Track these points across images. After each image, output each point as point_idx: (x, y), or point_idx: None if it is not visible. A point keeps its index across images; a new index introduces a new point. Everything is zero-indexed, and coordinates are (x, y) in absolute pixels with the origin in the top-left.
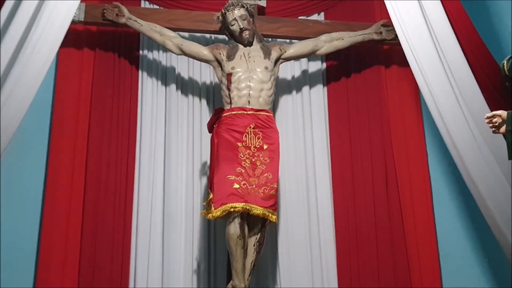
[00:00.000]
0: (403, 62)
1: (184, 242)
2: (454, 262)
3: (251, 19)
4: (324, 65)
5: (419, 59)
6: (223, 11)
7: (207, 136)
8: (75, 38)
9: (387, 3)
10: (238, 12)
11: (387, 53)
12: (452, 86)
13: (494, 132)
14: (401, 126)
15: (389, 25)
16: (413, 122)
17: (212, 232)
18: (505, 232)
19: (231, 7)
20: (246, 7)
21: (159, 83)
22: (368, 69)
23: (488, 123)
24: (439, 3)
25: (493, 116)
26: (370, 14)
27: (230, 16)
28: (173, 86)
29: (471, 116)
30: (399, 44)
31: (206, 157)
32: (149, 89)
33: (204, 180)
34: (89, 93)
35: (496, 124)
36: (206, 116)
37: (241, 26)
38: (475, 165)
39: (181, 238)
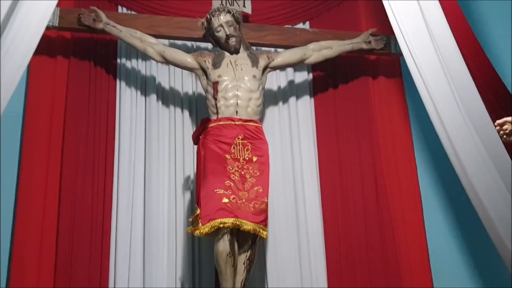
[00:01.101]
0: (391, 73)
1: (167, 260)
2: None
3: (237, 26)
4: (311, 75)
5: (420, 64)
6: (208, 17)
7: (190, 149)
8: (48, 45)
9: (385, 4)
10: (224, 18)
11: (374, 64)
12: (452, 91)
13: (504, 140)
14: (390, 138)
15: (378, 34)
16: (402, 134)
17: (197, 250)
18: (506, 243)
19: (217, 13)
20: (232, 12)
21: (139, 93)
22: (356, 80)
23: (499, 130)
24: (438, 4)
25: (504, 123)
26: (356, 24)
27: (215, 22)
28: (153, 96)
29: (472, 123)
30: (387, 54)
31: (190, 171)
32: (127, 99)
33: (188, 195)
34: (63, 104)
35: (507, 131)
36: (189, 127)
37: (227, 33)
38: (478, 174)
39: (163, 256)
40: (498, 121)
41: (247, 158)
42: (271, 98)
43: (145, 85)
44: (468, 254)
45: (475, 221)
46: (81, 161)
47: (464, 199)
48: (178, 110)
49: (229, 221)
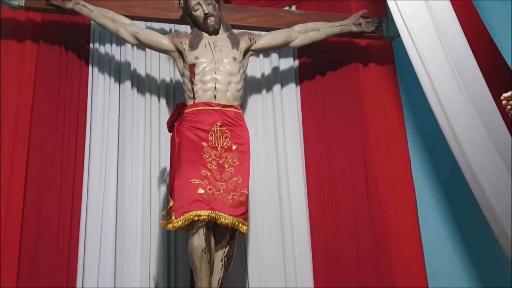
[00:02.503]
0: (382, 59)
1: (140, 258)
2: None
3: (216, 5)
4: (297, 62)
5: (419, 44)
6: None
7: (167, 139)
8: (16, 29)
9: None
10: None
11: (365, 49)
12: (452, 69)
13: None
14: (382, 129)
15: (368, 16)
16: (394, 124)
17: (173, 247)
18: (507, 233)
19: None
20: None
21: (112, 79)
22: (345, 67)
23: (505, 105)
24: None
25: (511, 97)
26: (346, 8)
27: (193, 0)
28: (127, 83)
29: (473, 104)
30: (379, 37)
31: (166, 162)
32: (100, 86)
33: (164, 187)
34: (31, 91)
35: None
36: (165, 116)
37: (206, 11)
38: (479, 160)
39: (136, 254)
40: (505, 95)
41: (226, 146)
42: (254, 85)
43: (120, 72)
44: (464, 251)
45: (471, 215)
46: (49, 150)
47: (460, 193)
48: (155, 98)
49: (204, 213)
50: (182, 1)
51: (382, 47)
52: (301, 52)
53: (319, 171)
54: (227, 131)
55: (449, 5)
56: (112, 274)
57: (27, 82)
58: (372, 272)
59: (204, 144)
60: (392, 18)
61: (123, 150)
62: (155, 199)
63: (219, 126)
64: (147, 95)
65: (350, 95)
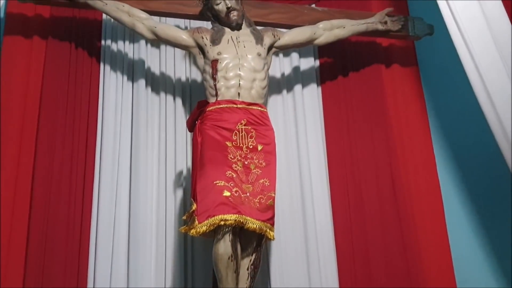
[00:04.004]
0: (405, 60)
1: (155, 267)
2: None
3: None
4: (318, 62)
5: (470, 41)
6: None
7: (183, 140)
8: (23, 24)
9: None
10: None
11: (387, 51)
12: (507, 71)
13: None
14: (406, 130)
15: (393, 15)
16: (419, 126)
17: (190, 255)
18: None
19: None
20: None
21: (125, 78)
22: (367, 67)
23: None
24: None
25: None
26: (367, 6)
27: None
28: (141, 82)
29: None
30: (405, 37)
31: (182, 165)
32: (112, 85)
33: (180, 192)
34: (39, 90)
35: None
36: (181, 116)
37: (228, 5)
38: None
39: (151, 263)
40: None
41: (251, 147)
42: (274, 85)
43: (133, 70)
44: (492, 253)
45: (498, 216)
46: (58, 153)
47: (487, 193)
48: (170, 97)
49: (231, 217)
50: None
51: (404, 48)
52: (322, 52)
53: (343, 173)
54: (252, 130)
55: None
56: (125, 284)
57: (34, 81)
58: (400, 276)
59: (228, 143)
60: (419, 17)
61: (136, 153)
62: (170, 204)
63: (244, 125)
64: (162, 94)
65: (372, 97)
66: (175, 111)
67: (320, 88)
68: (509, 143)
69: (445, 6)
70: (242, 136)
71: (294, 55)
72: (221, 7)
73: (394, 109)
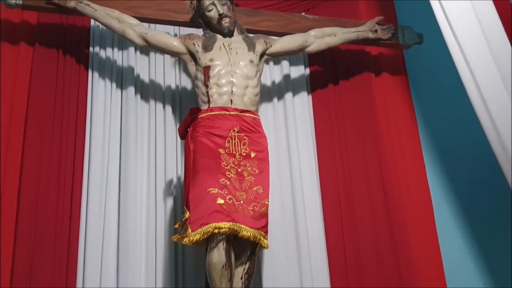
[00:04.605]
0: (394, 69)
1: (145, 278)
2: None
3: (231, 5)
4: (308, 70)
5: (466, 48)
6: None
7: (173, 149)
8: (10, 31)
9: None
10: None
11: (377, 59)
12: (502, 78)
13: None
14: (396, 138)
15: (384, 23)
16: (409, 133)
17: (180, 265)
18: None
19: None
20: None
21: (114, 85)
22: (357, 76)
23: None
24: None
25: None
26: (356, 15)
27: (207, 0)
28: (131, 89)
29: None
30: (395, 45)
31: (172, 174)
32: (101, 92)
33: (170, 201)
34: (25, 97)
35: None
36: (171, 124)
37: (220, 12)
38: None
39: (141, 273)
40: None
41: (244, 154)
42: (265, 93)
43: (122, 77)
44: (484, 262)
45: (488, 222)
46: (45, 162)
47: (477, 199)
48: (159, 105)
49: (225, 225)
50: (194, 1)
51: (393, 56)
52: (312, 60)
53: (334, 181)
54: (245, 137)
55: (492, 7)
56: None
57: (20, 89)
58: (392, 284)
59: (221, 151)
60: (408, 26)
61: (125, 161)
62: (160, 213)
63: (237, 132)
64: (152, 102)
65: (363, 105)
66: (164, 119)
67: (310, 96)
68: (503, 147)
69: (440, 13)
70: (235, 143)
71: (285, 63)
72: (213, 13)
73: (384, 117)
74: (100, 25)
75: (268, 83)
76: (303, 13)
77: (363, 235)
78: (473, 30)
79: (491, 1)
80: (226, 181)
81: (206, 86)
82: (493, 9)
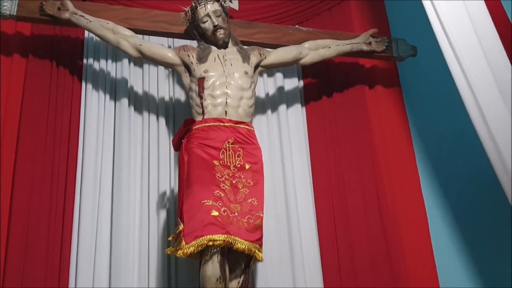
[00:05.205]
0: (388, 81)
1: None
2: None
3: (226, 17)
4: (302, 82)
5: (462, 56)
6: (194, 5)
7: (166, 161)
8: (3, 42)
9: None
10: (211, 7)
11: (370, 72)
12: (498, 87)
13: None
14: (391, 150)
15: (378, 36)
16: (403, 146)
17: (173, 279)
18: None
19: (203, 1)
20: (220, 1)
21: (107, 97)
22: (350, 88)
23: None
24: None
25: None
26: (349, 28)
27: (201, 11)
28: (124, 101)
29: None
30: (389, 57)
31: (165, 186)
32: (94, 104)
33: (163, 214)
34: (18, 109)
35: None
36: (164, 136)
37: (215, 23)
38: None
39: (134, 287)
40: None
41: (239, 165)
42: (258, 105)
43: (115, 89)
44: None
45: (482, 231)
46: (38, 174)
47: (471, 210)
48: (153, 117)
49: (220, 238)
50: (189, 13)
51: (387, 69)
52: (306, 72)
53: (328, 193)
54: (239, 149)
55: (487, 16)
56: None
57: (13, 101)
58: None
59: (216, 162)
60: (402, 39)
61: (118, 173)
62: (153, 226)
63: (231, 144)
64: (145, 114)
65: (356, 117)
66: (158, 131)
67: (304, 109)
68: (500, 158)
69: (436, 21)
70: (229, 154)
71: (278, 75)
72: (207, 25)
73: (378, 129)
74: (94, 37)
75: (262, 95)
76: (297, 26)
77: (358, 247)
78: (469, 38)
79: (487, 10)
80: (221, 193)
81: (201, 97)
82: (488, 18)
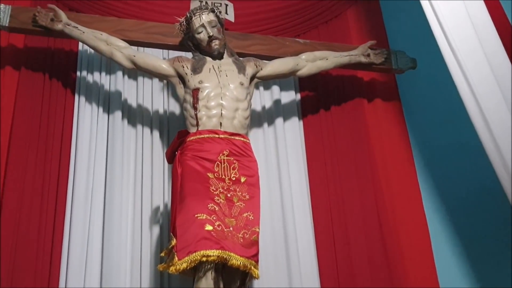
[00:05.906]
0: (387, 94)
1: None
2: None
3: (221, 28)
4: (299, 95)
5: (464, 61)
6: (188, 16)
7: (160, 175)
8: None
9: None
10: (206, 18)
11: (369, 85)
12: (502, 93)
13: None
14: (390, 164)
15: (376, 48)
16: (403, 159)
17: None
18: None
19: (198, 11)
20: (216, 12)
21: (101, 110)
22: (349, 101)
23: None
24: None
25: None
26: (347, 41)
27: (196, 22)
28: (117, 114)
29: None
30: (387, 70)
31: (159, 201)
32: (87, 117)
33: (156, 229)
34: (10, 121)
35: None
36: (158, 149)
37: (210, 34)
38: None
39: None
40: None
41: (234, 178)
42: (255, 118)
43: (109, 101)
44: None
45: (484, 246)
46: (28, 186)
47: (473, 224)
48: (147, 130)
49: (214, 253)
50: (184, 24)
51: (386, 82)
52: (303, 85)
53: (326, 207)
54: (234, 161)
55: (489, 20)
56: None
57: (5, 113)
58: None
59: (210, 175)
60: (401, 51)
61: (111, 187)
62: (146, 241)
63: (226, 156)
64: (139, 127)
65: (355, 131)
66: (152, 144)
67: (301, 122)
68: (505, 167)
69: (437, 25)
70: (224, 167)
71: (275, 88)
72: (202, 36)
73: (378, 143)
74: (88, 49)
75: (258, 108)
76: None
77: (357, 265)
78: (470, 42)
79: (488, 15)
80: (215, 206)
81: (195, 108)
82: (489, 21)
